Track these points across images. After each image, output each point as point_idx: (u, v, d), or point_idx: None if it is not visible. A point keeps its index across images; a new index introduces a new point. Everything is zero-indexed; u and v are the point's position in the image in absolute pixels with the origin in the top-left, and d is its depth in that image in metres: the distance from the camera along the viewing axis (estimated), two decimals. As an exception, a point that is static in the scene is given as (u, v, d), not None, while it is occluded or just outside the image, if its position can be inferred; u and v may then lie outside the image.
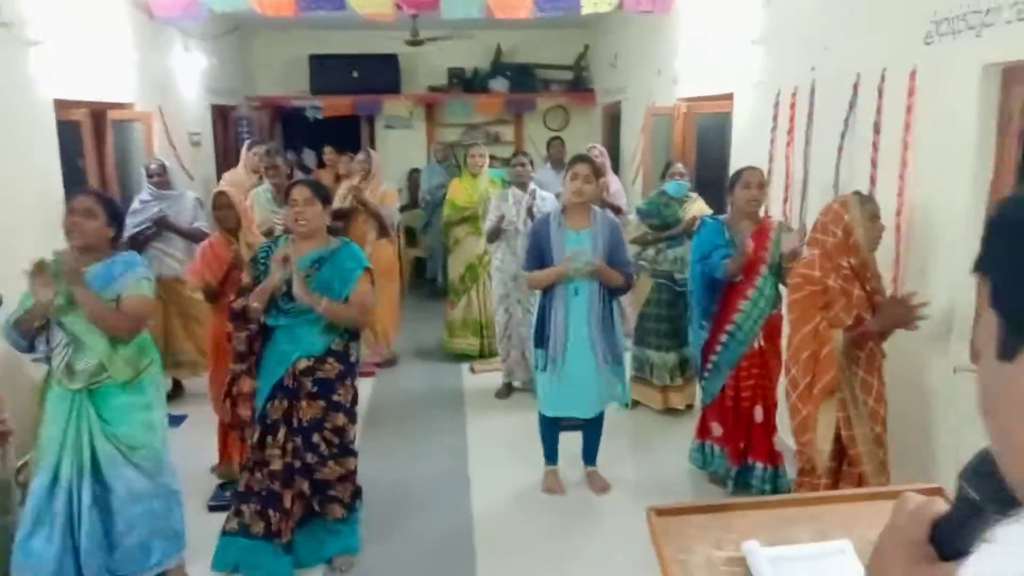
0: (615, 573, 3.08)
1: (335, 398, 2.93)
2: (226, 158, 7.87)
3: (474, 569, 3.09)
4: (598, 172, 3.45)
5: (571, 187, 3.39)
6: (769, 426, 3.49)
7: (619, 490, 3.72)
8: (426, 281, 8.33)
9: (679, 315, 4.47)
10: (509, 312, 4.82)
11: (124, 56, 5.37)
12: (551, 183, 5.48)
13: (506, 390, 5.01)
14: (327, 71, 8.80)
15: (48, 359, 2.76)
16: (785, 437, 3.57)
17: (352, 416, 3.02)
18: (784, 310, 2.90)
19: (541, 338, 3.45)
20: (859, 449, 2.62)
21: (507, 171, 4.88)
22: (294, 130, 9.47)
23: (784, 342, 2.89)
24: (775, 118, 4.00)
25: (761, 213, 3.55)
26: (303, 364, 2.90)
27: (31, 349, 2.78)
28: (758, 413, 3.48)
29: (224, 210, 3.70)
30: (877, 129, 3.05)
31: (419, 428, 4.54)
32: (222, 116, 7.92)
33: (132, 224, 4.63)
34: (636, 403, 4.68)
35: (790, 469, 3.52)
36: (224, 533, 3.02)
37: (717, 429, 3.63)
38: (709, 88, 5.07)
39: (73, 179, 4.59)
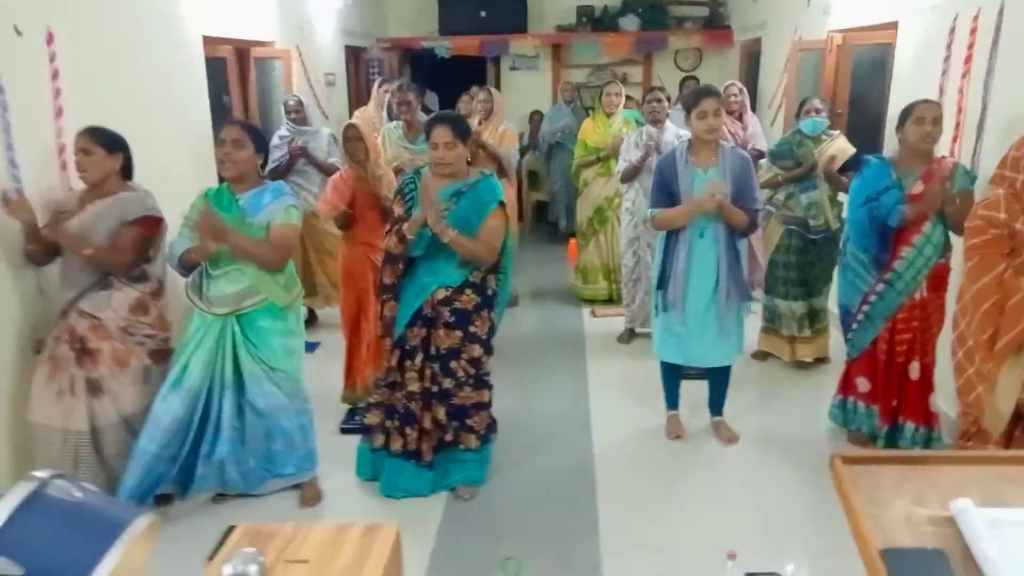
0: (740, 526, 2.95)
1: (472, 329, 2.95)
2: (358, 99, 8.03)
3: (595, 510, 3.05)
4: (724, 102, 3.20)
5: (699, 125, 3.17)
6: (926, 384, 3.21)
7: (747, 442, 3.56)
8: (547, 224, 8.25)
9: (810, 263, 4.19)
10: (638, 255, 4.67)
11: (266, -6, 5.51)
12: (683, 126, 5.20)
13: (628, 335, 4.89)
14: (456, 11, 8.74)
15: (199, 283, 2.91)
16: (939, 398, 3.29)
17: (488, 348, 3.03)
18: (955, 258, 2.59)
19: (662, 280, 3.30)
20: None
21: (642, 108, 4.65)
22: (422, 72, 9.52)
23: (954, 293, 2.60)
24: (949, 46, 3.57)
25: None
26: (441, 294, 2.93)
27: (189, 273, 2.95)
28: (914, 369, 3.20)
29: (353, 142, 3.74)
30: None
31: (540, 368, 4.53)
32: (355, 57, 8.05)
33: (272, 159, 4.81)
34: (767, 354, 4.46)
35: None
36: (371, 449, 3.14)
37: (864, 385, 3.38)
38: (867, 17, 4.60)
39: (219, 115, 4.80)
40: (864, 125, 4.44)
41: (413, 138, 4.62)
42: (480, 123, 5.37)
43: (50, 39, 3.15)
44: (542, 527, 2.96)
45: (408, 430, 3.03)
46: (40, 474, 0.99)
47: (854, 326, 3.35)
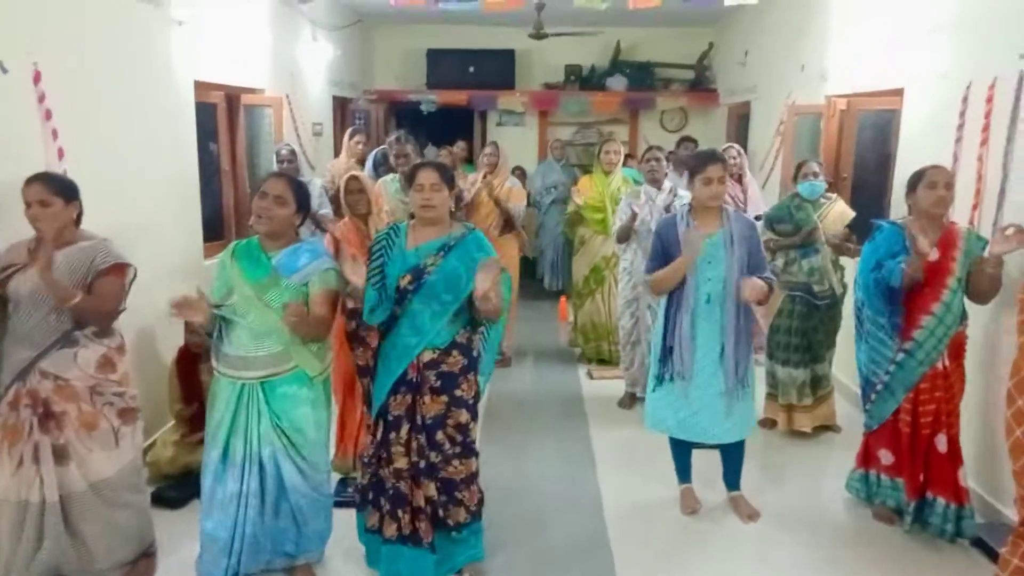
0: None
1: (458, 393, 2.73)
2: (340, 150, 7.91)
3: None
4: (728, 170, 3.12)
5: (704, 191, 3.07)
6: (954, 457, 3.07)
7: (767, 518, 3.36)
8: (532, 281, 8.12)
9: (813, 328, 4.08)
10: (636, 317, 4.52)
11: (258, 41, 5.39)
12: (680, 185, 5.13)
13: (629, 400, 4.71)
14: (444, 65, 8.76)
15: (218, 346, 2.68)
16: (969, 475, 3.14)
17: (474, 413, 2.81)
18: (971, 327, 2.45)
19: (668, 353, 3.14)
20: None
21: (639, 167, 4.57)
22: (408, 125, 9.48)
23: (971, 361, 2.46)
24: (963, 114, 3.55)
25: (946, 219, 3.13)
26: (427, 356, 2.70)
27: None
28: (941, 442, 3.06)
29: (355, 194, 3.57)
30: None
31: (540, 433, 4.30)
32: (341, 108, 7.95)
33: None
34: (774, 421, 4.29)
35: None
36: (367, 531, 2.88)
37: (887, 457, 3.22)
38: (868, 83, 4.62)
39: (205, 162, 4.61)
40: (868, 190, 4.41)
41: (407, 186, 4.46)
42: (484, 176, 5.27)
43: (37, 77, 2.96)
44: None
45: (400, 512, 2.75)
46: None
47: (872, 396, 3.22)
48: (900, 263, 2.98)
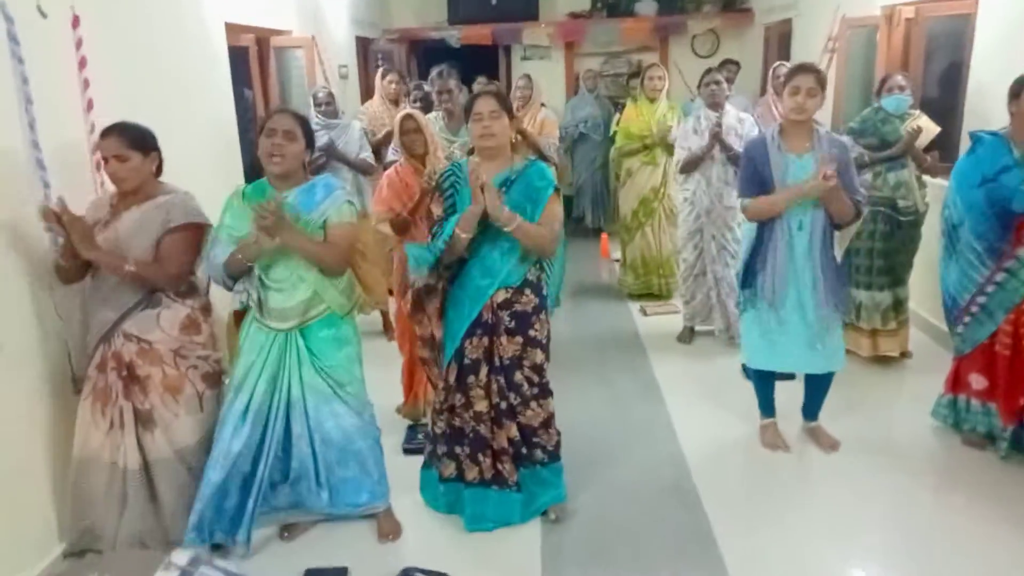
0: (872, 543, 2.67)
1: (531, 333, 2.64)
2: (368, 93, 7.67)
3: (709, 533, 2.74)
4: (823, 83, 2.91)
5: (790, 103, 2.87)
6: (1057, 381, 2.94)
7: (848, 449, 3.26)
8: (570, 220, 7.94)
9: (895, 250, 3.91)
10: (700, 248, 4.36)
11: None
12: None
13: (688, 334, 4.59)
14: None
15: (250, 297, 2.55)
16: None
17: (548, 353, 2.73)
18: None
19: (753, 278, 2.99)
20: None
21: (700, 90, 4.34)
22: (432, 64, 9.16)
23: None
24: (1056, 12, 3.30)
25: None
26: (501, 296, 2.61)
27: (231, 288, 2.60)
28: (1044, 365, 2.92)
29: (411, 135, 3.41)
30: None
31: (602, 373, 4.21)
32: (364, 49, 7.68)
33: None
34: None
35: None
36: (442, 479, 2.81)
37: (979, 382, 3.10)
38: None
39: (241, 110, 4.44)
40: (939, 105, 4.17)
41: (455, 128, 4.28)
42: (518, 110, 5.06)
43: (75, 22, 2.79)
44: (657, 555, 2.64)
45: (481, 456, 2.71)
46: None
47: (966, 319, 3.07)
48: (1021, 186, 2.78)
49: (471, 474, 2.74)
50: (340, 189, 2.60)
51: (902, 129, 3.85)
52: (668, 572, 2.55)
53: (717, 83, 4.20)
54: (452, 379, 2.70)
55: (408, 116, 3.44)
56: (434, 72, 4.38)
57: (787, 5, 6.96)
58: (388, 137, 5.07)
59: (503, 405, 2.68)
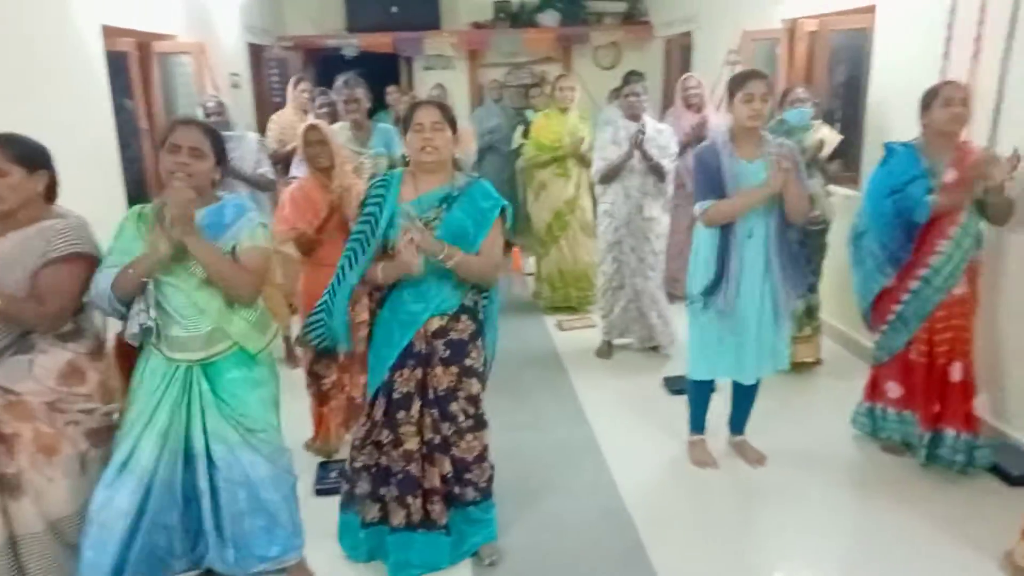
0: (810, 562, 2.65)
1: (468, 362, 2.46)
2: (261, 103, 7.28)
3: (647, 561, 2.63)
4: (772, 89, 2.89)
5: (745, 110, 2.82)
6: (968, 386, 3.01)
7: (775, 461, 3.25)
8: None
9: (807, 258, 3.96)
10: (619, 261, 4.29)
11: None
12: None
13: (607, 348, 4.52)
14: (363, 7, 8.15)
15: (144, 326, 2.24)
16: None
17: (485, 382, 2.56)
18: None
19: (715, 287, 2.93)
20: None
21: (619, 101, 4.28)
22: (329, 73, 8.84)
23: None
24: (950, 26, 3.42)
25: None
26: (435, 324, 2.41)
27: (126, 315, 2.26)
28: (956, 371, 2.99)
29: (316, 147, 3.17)
30: None
31: (523, 391, 4.06)
32: (256, 57, 7.28)
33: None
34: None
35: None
36: (364, 525, 2.57)
37: (895, 390, 3.15)
38: (834, 3, 4.45)
39: (121, 122, 4.04)
40: (841, 115, 4.28)
41: (364, 139, 4.05)
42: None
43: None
44: (594, 590, 2.51)
45: (411, 498, 2.49)
46: None
47: (883, 327, 3.12)
48: (926, 197, 2.83)
49: (397, 519, 2.51)
50: (253, 211, 2.33)
51: (806, 141, 3.91)
52: (608, 608, 2.42)
53: (636, 95, 4.15)
54: (379, 414, 2.48)
55: (312, 127, 3.19)
56: (340, 80, 4.15)
57: (687, 18, 7.09)
58: (296, 150, 4.78)
59: (436, 440, 2.48)
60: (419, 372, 2.43)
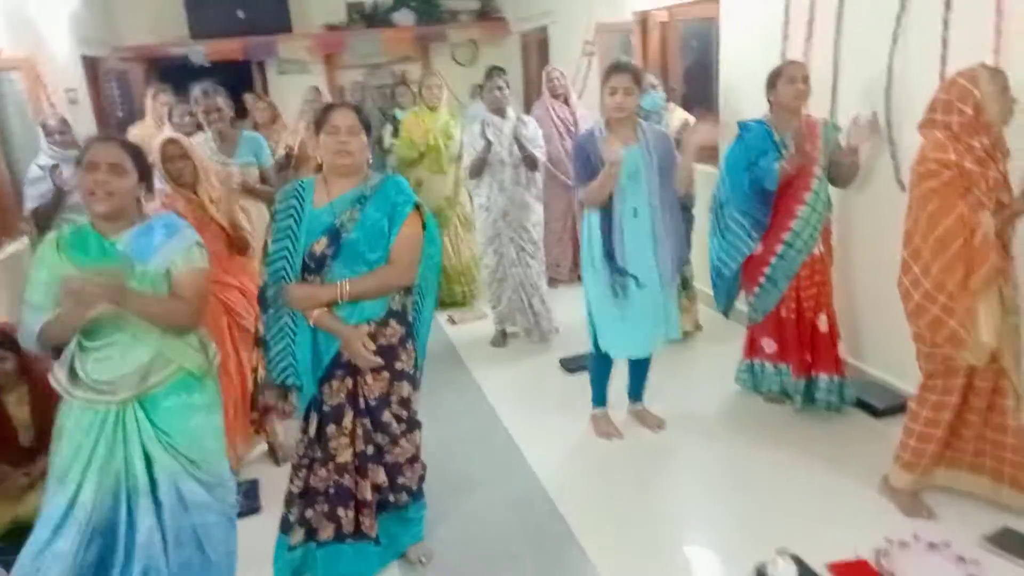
0: (715, 510, 2.85)
1: (398, 366, 2.43)
2: (101, 119, 6.78)
3: (574, 540, 2.72)
4: (640, 81, 3.06)
5: (611, 102, 2.99)
6: (834, 335, 3.32)
7: (673, 424, 3.45)
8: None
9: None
10: (500, 253, 4.37)
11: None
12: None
13: (501, 337, 4.60)
14: (207, 12, 7.76)
15: (71, 365, 2.10)
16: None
17: (416, 384, 2.55)
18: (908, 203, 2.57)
19: (608, 264, 3.06)
20: (1003, 342, 2.45)
21: (484, 95, 4.36)
22: (177, 83, 8.34)
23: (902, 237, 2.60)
24: (786, 11, 3.74)
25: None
26: (364, 331, 2.36)
27: (59, 355, 2.13)
28: (823, 322, 3.29)
29: (178, 162, 3.01)
30: (949, 4, 2.85)
31: (427, 388, 4.01)
32: (93, 70, 6.77)
33: (35, 195, 3.79)
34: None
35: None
36: (290, 548, 2.49)
37: (770, 345, 3.42)
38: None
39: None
40: (697, 99, 4.58)
41: (230, 150, 3.89)
42: (307, 128, 4.75)
43: None
44: (529, 571, 2.57)
45: (341, 511, 2.44)
46: None
47: (756, 290, 3.37)
48: (774, 165, 3.09)
49: (325, 533, 2.46)
50: (187, 228, 2.19)
51: (670, 123, 4.16)
52: (542, 585, 2.50)
53: (500, 89, 4.24)
54: (310, 431, 2.41)
55: (171, 141, 3.03)
56: (197, 90, 3.95)
57: (542, 14, 7.29)
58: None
59: (369, 450, 2.44)
60: (349, 382, 2.38)
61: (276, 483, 3.06)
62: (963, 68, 2.43)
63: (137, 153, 2.15)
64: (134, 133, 4.90)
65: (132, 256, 2.07)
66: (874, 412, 3.33)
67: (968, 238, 2.32)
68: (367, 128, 2.36)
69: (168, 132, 3.37)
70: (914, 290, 2.48)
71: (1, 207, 4.24)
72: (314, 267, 2.31)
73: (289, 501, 2.50)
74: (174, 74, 8.19)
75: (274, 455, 3.36)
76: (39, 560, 2.02)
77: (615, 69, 2.99)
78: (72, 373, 2.08)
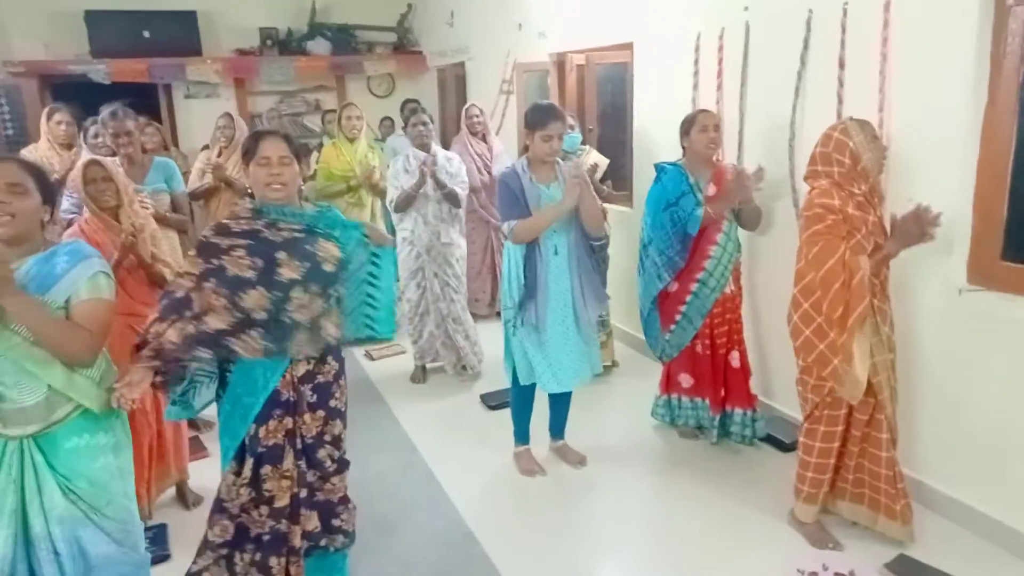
0: (636, 544, 2.90)
1: (332, 403, 2.37)
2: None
3: (496, 570, 2.72)
4: (566, 123, 3.16)
5: (544, 148, 3.06)
6: (745, 370, 3.47)
7: (593, 459, 3.50)
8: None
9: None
10: (423, 287, 4.35)
11: None
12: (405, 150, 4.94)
13: (421, 373, 4.56)
14: (110, 30, 7.42)
15: None
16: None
17: (345, 421, 2.49)
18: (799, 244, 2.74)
19: (529, 300, 3.10)
20: (879, 377, 2.64)
21: (408, 130, 4.36)
22: (74, 102, 7.92)
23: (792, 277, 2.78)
24: (696, 62, 3.95)
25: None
26: (302, 369, 2.28)
27: None
28: (735, 358, 3.44)
29: (100, 184, 2.88)
30: (842, 64, 3.09)
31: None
32: (-21, 85, 6.35)
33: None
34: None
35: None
36: None
37: (687, 381, 3.54)
38: (593, 40, 4.92)
39: None
40: (612, 139, 4.74)
41: (139, 176, 3.73)
42: (219, 153, 4.63)
43: None
44: (449, 613, 2.54)
45: (274, 559, 2.32)
46: None
47: (672, 327, 3.49)
48: (696, 212, 3.23)
49: None
50: (94, 257, 2.05)
51: (583, 163, 4.28)
52: (467, 628, 2.47)
53: (424, 124, 4.25)
54: (244, 473, 2.28)
55: (93, 162, 2.89)
56: (105, 112, 3.76)
57: (458, 50, 7.39)
58: (59, 184, 4.24)
59: (302, 494, 2.34)
60: (288, 421, 2.29)
61: (186, 528, 2.93)
62: (833, 123, 2.65)
63: (39, 174, 2.04)
64: (24, 153, 4.60)
65: (35, 284, 1.95)
66: (781, 447, 3.49)
67: (847, 279, 2.50)
68: (298, 156, 2.31)
69: (85, 154, 3.20)
70: (804, 326, 2.64)
71: None
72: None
73: (202, 549, 2.36)
74: (72, 93, 7.79)
75: (184, 499, 3.19)
76: None
77: (552, 116, 3.05)
78: None
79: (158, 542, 2.88)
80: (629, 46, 4.55)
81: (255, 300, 2.11)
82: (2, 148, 5.77)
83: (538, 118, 3.05)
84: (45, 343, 1.91)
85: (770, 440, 3.54)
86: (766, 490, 3.16)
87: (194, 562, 2.37)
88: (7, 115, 7.08)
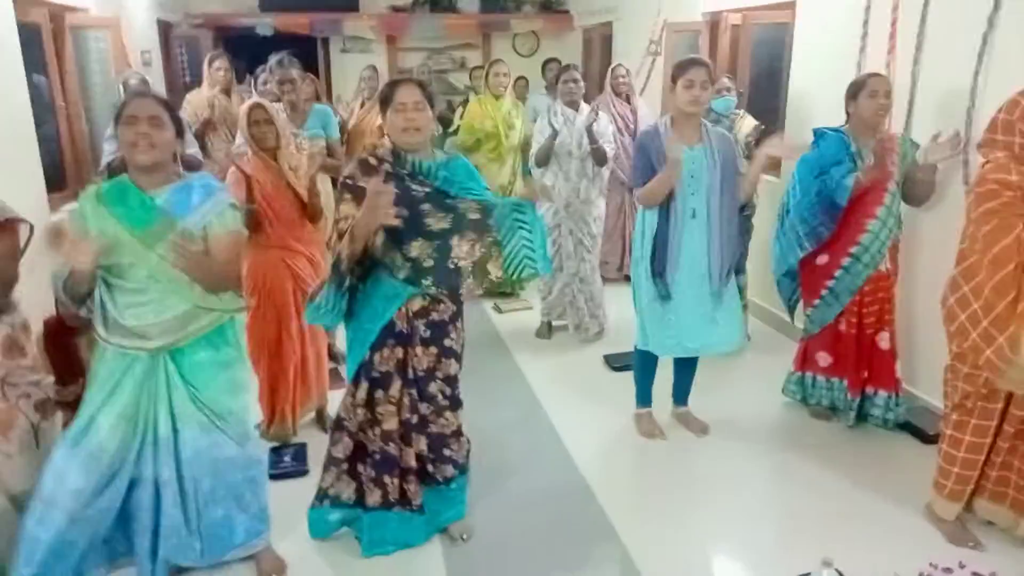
0: (755, 519, 2.83)
1: (447, 343, 2.48)
2: (171, 83, 6.95)
3: (612, 532, 2.74)
4: (713, 80, 3.03)
5: (686, 96, 2.95)
6: (894, 352, 3.27)
7: (717, 429, 3.44)
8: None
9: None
10: (557, 244, 4.38)
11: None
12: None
13: (547, 329, 4.62)
14: (278, -15, 7.88)
15: (105, 311, 2.16)
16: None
17: (461, 362, 2.59)
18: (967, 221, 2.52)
19: (660, 267, 3.06)
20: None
21: (559, 87, 4.35)
22: (242, 53, 8.49)
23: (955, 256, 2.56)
24: (866, 23, 3.68)
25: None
26: (417, 304, 2.41)
27: (84, 306, 2.20)
28: (884, 340, 3.24)
29: (263, 126, 3.09)
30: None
31: (473, 374, 4.03)
32: (166, 34, 6.93)
33: (111, 151, 3.90)
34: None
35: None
36: (336, 504, 2.57)
37: (825, 359, 3.38)
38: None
39: (33, 99, 3.78)
40: (763, 104, 4.53)
41: (300, 121, 3.97)
42: (362, 105, 4.84)
43: None
44: (565, 558, 2.59)
45: (387, 478, 2.50)
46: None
47: (816, 301, 3.33)
48: (847, 180, 3.04)
49: (372, 498, 2.52)
50: (223, 191, 2.26)
51: (739, 131, 4.13)
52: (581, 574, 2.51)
53: (575, 80, 4.23)
54: (359, 395, 2.46)
55: (258, 106, 3.10)
56: (273, 60, 4.04)
57: (607, 9, 7.26)
58: (206, 125, 4.61)
59: (414, 419, 2.50)
60: (400, 351, 2.43)
61: (322, 449, 3.14)
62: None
63: (172, 109, 2.21)
64: (189, 99, 4.99)
65: (174, 211, 2.13)
66: (923, 437, 3.27)
67: (1022, 262, 2.26)
68: (431, 102, 2.41)
69: (255, 98, 3.45)
70: (961, 310, 2.43)
71: (78, 160, 4.36)
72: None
73: (327, 465, 2.57)
74: (240, 44, 8.37)
75: (322, 422, 3.43)
76: (52, 490, 2.09)
77: (693, 63, 2.96)
78: (104, 319, 2.14)
79: (299, 458, 3.13)
80: (792, 4, 4.30)
81: (419, 249, 2.28)
82: (181, 93, 6.28)
83: (680, 66, 2.96)
84: (194, 276, 2.09)
85: (910, 429, 3.33)
86: (901, 480, 2.98)
87: (322, 478, 2.58)
88: (186, 64, 7.69)
